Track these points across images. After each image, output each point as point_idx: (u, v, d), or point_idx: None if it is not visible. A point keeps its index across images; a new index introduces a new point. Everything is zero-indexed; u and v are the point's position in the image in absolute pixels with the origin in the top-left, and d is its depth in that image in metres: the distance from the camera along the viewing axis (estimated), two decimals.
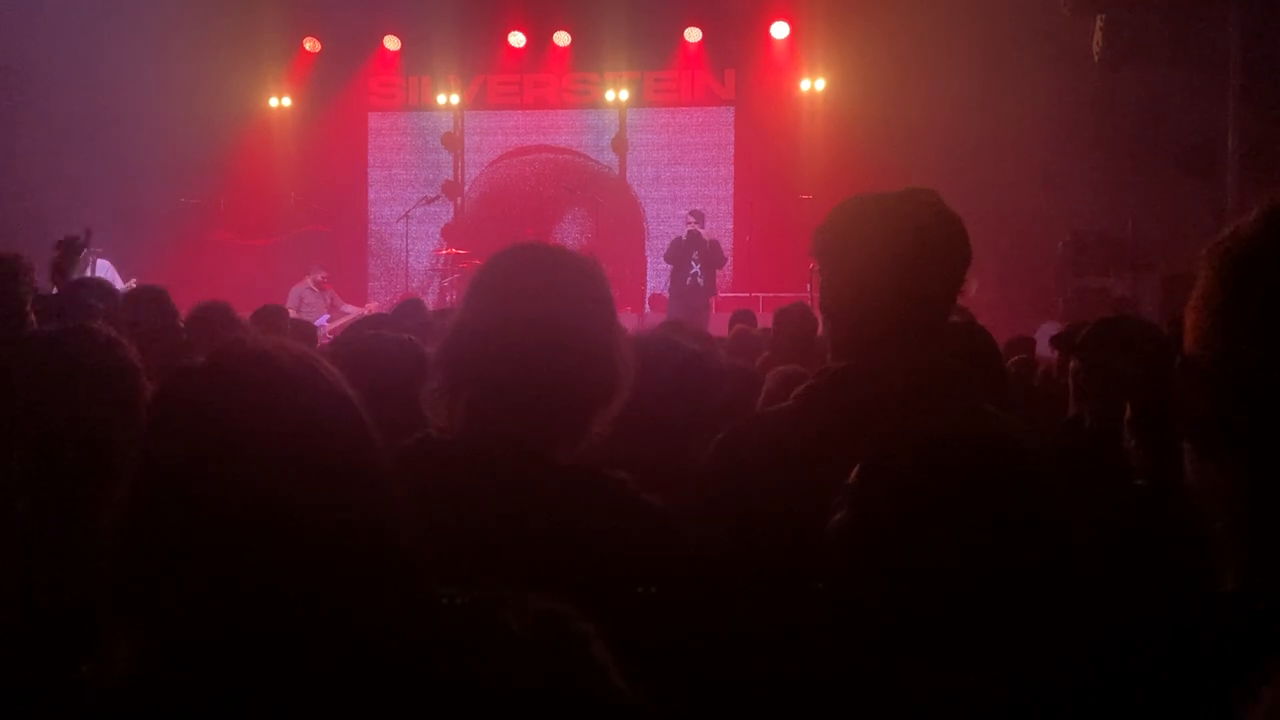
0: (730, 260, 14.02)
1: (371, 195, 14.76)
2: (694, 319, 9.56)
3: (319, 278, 11.17)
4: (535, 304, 1.59)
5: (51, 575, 1.58)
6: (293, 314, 10.95)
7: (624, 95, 13.92)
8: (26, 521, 1.64)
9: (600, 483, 1.59)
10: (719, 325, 11.40)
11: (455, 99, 14.21)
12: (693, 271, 11.17)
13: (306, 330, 6.29)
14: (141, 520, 1.05)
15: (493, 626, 1.08)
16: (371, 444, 1.11)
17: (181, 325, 4.08)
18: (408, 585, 1.08)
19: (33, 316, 3.08)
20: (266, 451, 1.03)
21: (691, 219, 11.51)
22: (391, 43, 14.11)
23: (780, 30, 13.51)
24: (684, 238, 11.38)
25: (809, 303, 9.47)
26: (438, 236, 14.30)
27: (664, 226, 13.75)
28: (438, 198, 14.06)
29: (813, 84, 13.35)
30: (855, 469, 1.31)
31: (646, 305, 13.31)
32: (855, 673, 1.26)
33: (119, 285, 8.86)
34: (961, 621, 1.22)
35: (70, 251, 4.09)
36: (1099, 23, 9.28)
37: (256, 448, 1.03)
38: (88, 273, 7.70)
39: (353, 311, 11.40)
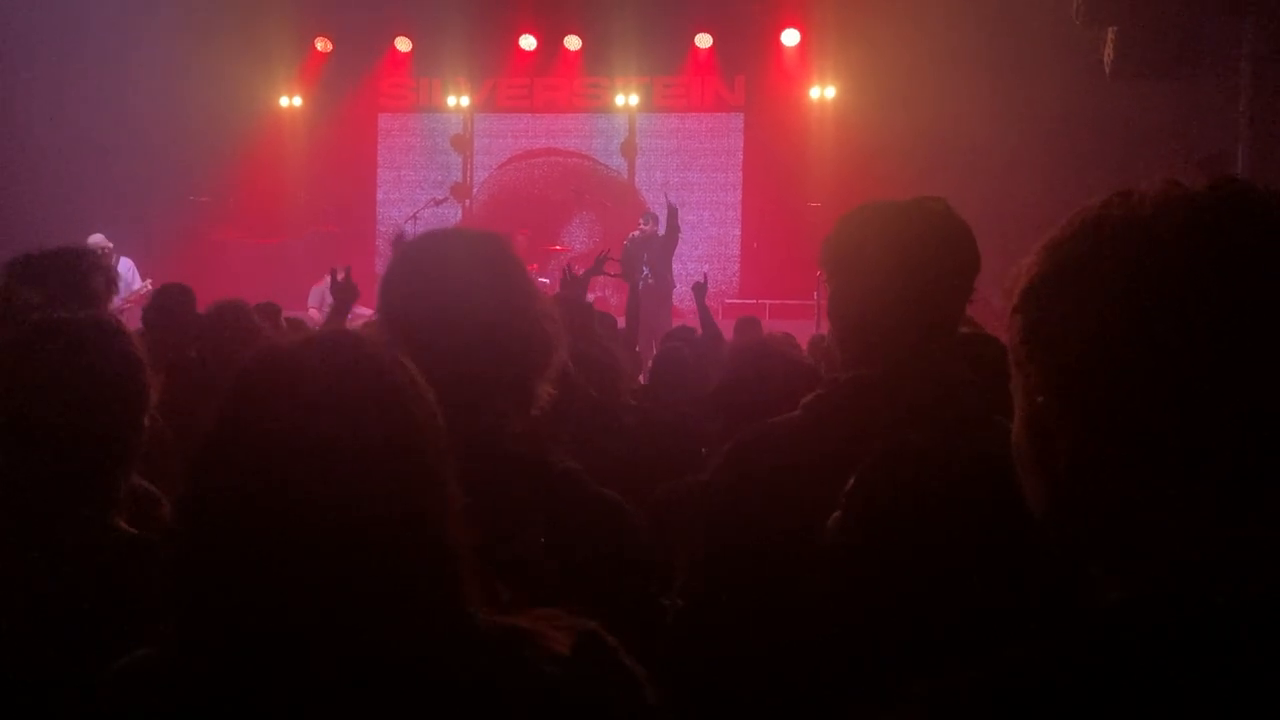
0: (738, 266, 13.98)
1: (380, 196, 14.78)
2: (654, 321, 9.51)
3: (340, 277, 11.17)
4: (452, 283, 1.61)
5: (50, 568, 1.58)
6: (314, 313, 11.01)
7: (634, 100, 13.92)
8: (25, 513, 1.63)
9: (547, 471, 1.60)
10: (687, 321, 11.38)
11: (465, 101, 14.23)
12: (644, 274, 11.09)
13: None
14: (207, 515, 1.06)
15: (536, 646, 1.09)
16: (435, 444, 1.12)
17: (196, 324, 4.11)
18: (453, 596, 1.09)
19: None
20: (339, 444, 1.04)
21: (642, 222, 11.37)
22: (403, 44, 14.13)
23: (791, 37, 13.51)
24: (630, 243, 11.06)
25: (817, 310, 9.45)
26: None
27: None
28: (446, 199, 14.07)
29: (823, 91, 13.34)
30: (851, 480, 1.31)
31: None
32: (841, 681, 1.26)
33: (137, 284, 8.91)
34: (939, 635, 1.22)
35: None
36: (1110, 34, 9.26)
37: (331, 441, 1.04)
38: None
39: (365, 314, 11.40)
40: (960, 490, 1.24)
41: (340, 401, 1.06)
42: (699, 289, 6.56)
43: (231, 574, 1.04)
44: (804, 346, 5.24)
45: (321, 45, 14.18)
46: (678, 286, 11.42)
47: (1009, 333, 0.92)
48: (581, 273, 5.99)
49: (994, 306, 0.97)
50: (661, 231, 11.26)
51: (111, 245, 8.35)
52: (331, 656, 1.03)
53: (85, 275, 2.89)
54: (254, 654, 1.03)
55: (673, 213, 11.23)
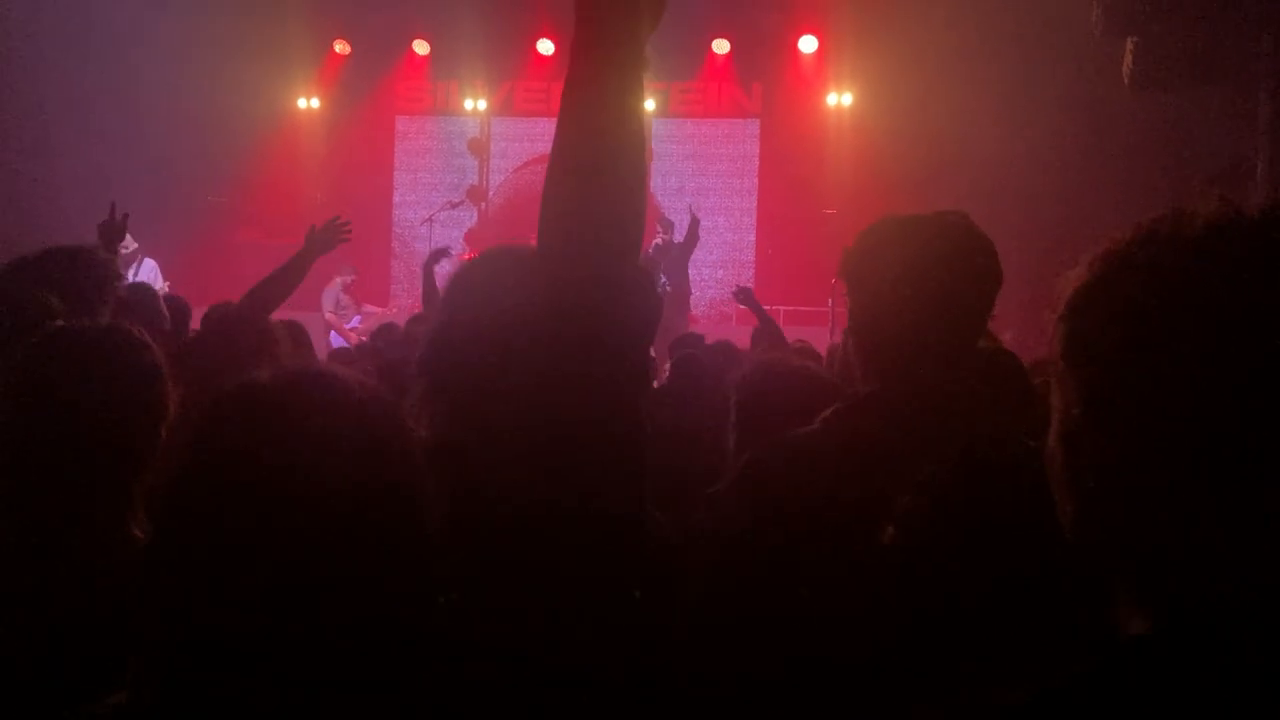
0: (752, 272, 13.96)
1: (397, 198, 14.82)
2: (670, 326, 9.52)
3: (349, 280, 11.22)
4: (511, 302, 1.60)
5: (69, 578, 1.58)
6: (328, 316, 11.05)
7: (650, 105, 13.93)
8: (42, 521, 1.64)
9: None
10: (722, 327, 11.41)
11: (482, 105, 14.26)
12: (660, 282, 11.11)
13: (297, 332, 6.23)
14: (186, 524, 1.06)
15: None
16: (404, 440, 1.12)
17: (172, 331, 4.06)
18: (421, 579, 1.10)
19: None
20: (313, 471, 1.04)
21: (660, 229, 11.39)
22: (421, 47, 14.17)
23: (808, 44, 13.50)
24: (651, 250, 11.11)
25: (832, 316, 9.43)
26: (461, 241, 14.34)
27: None
28: (462, 202, 14.10)
29: (839, 98, 13.33)
30: (910, 488, 1.31)
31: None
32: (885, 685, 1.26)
33: (158, 285, 8.95)
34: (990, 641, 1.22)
35: (109, 235, 4.01)
36: (1130, 44, 9.22)
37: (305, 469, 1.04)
38: (132, 273, 7.76)
39: (376, 312, 11.44)
40: (1026, 502, 1.25)
41: (321, 444, 1.05)
42: (746, 294, 6.49)
43: (195, 615, 1.04)
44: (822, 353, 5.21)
45: (340, 48, 14.23)
46: (694, 293, 11.43)
47: (1051, 342, 0.92)
48: None
49: (1045, 317, 0.97)
50: (679, 239, 11.27)
51: (136, 245, 8.39)
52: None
53: (97, 276, 2.87)
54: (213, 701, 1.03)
55: (694, 222, 11.23)
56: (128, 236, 4.09)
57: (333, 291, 11.17)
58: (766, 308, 7.70)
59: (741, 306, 6.71)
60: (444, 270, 6.83)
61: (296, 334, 4.98)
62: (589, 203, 1.33)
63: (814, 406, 1.87)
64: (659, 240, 11.29)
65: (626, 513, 1.58)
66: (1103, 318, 0.86)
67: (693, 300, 11.49)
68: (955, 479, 1.30)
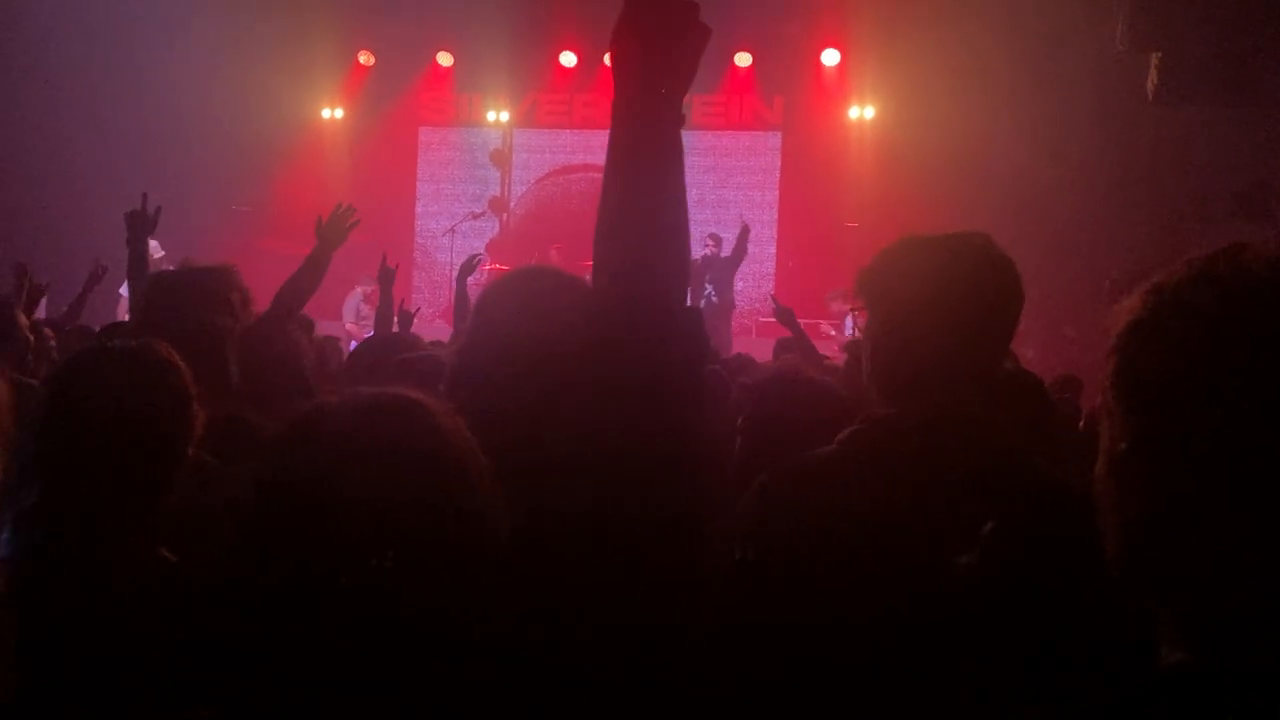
0: (772, 285, 13.95)
1: (419, 209, 14.88)
2: (715, 338, 9.54)
3: (370, 290, 11.28)
4: (538, 322, 1.60)
5: (102, 597, 1.58)
6: (349, 326, 11.10)
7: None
8: (75, 541, 1.64)
9: None
10: (740, 340, 11.43)
11: (505, 116, 14.32)
12: (706, 292, 11.20)
13: (329, 347, 6.28)
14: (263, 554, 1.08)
15: None
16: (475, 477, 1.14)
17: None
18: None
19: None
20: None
21: (710, 242, 11.50)
22: (444, 59, 14.24)
23: (831, 57, 13.50)
24: (699, 261, 11.30)
25: (852, 332, 9.40)
26: (482, 252, 14.39)
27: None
28: (484, 213, 14.15)
29: (861, 112, 13.31)
30: (990, 522, 1.32)
31: None
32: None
33: None
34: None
35: (138, 226, 3.99)
36: (1154, 59, 9.18)
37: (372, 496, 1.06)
38: None
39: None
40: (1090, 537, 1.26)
41: (396, 466, 1.08)
42: (787, 314, 6.43)
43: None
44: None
45: (364, 59, 14.33)
46: (736, 306, 11.57)
47: (1102, 373, 0.92)
48: None
49: (1065, 334, 0.97)
50: (726, 253, 11.32)
51: (164, 253, 8.45)
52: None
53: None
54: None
55: (744, 233, 11.28)
56: (155, 244, 4.10)
57: (354, 301, 11.22)
58: None
59: (776, 321, 6.62)
60: (475, 281, 6.88)
61: (328, 349, 4.99)
62: (638, 256, 1.39)
63: (822, 418, 1.88)
64: (707, 252, 11.37)
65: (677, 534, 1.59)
66: (1156, 355, 0.87)
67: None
68: (1014, 524, 1.31)
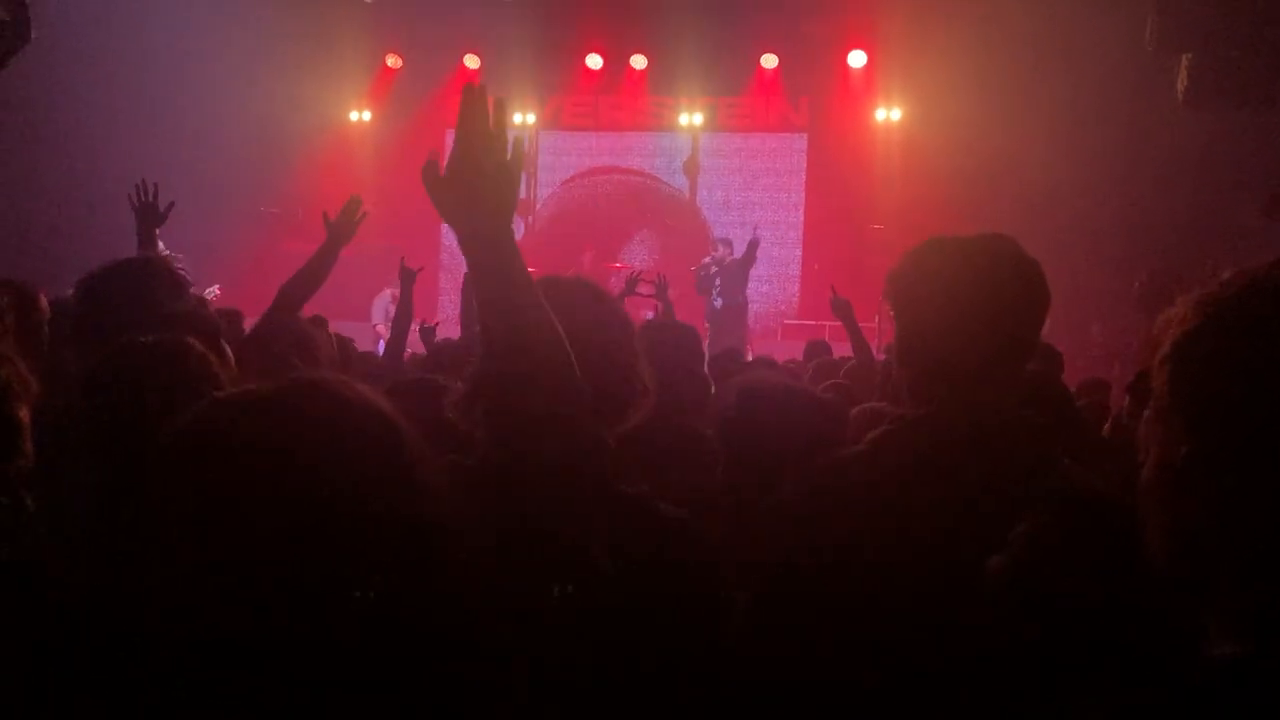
0: (798, 287, 13.92)
1: None
2: (729, 342, 9.54)
3: (397, 291, 11.36)
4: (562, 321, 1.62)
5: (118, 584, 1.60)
6: (378, 327, 11.19)
7: (698, 119, 13.95)
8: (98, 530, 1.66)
9: (613, 494, 1.62)
10: (766, 342, 11.44)
11: (531, 118, 14.37)
12: (713, 297, 11.23)
13: (343, 346, 6.33)
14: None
15: None
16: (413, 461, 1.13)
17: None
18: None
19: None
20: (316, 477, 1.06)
21: (721, 246, 11.53)
22: (471, 61, 14.31)
23: (857, 59, 13.47)
24: (703, 267, 11.44)
25: (879, 334, 9.37)
26: None
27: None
28: None
29: (888, 114, 13.28)
30: (1022, 525, 1.34)
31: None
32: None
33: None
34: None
35: (147, 218, 4.00)
36: (1184, 61, 9.11)
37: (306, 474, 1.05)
38: None
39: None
40: (1125, 541, 1.27)
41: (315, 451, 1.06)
42: (844, 305, 6.27)
43: None
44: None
45: (392, 62, 14.42)
46: (752, 305, 11.58)
47: (1156, 380, 0.94)
48: (616, 294, 5.91)
49: (1092, 334, 0.99)
50: (736, 256, 11.33)
51: (170, 252, 8.52)
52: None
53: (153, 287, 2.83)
54: None
55: (753, 243, 11.30)
56: (160, 244, 4.11)
57: (382, 303, 11.31)
58: (812, 323, 7.59)
59: (837, 320, 6.44)
60: None
61: (341, 347, 5.03)
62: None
63: (802, 422, 1.90)
64: (715, 255, 11.37)
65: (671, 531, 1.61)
66: (1212, 363, 0.89)
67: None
68: (1047, 525, 1.33)
